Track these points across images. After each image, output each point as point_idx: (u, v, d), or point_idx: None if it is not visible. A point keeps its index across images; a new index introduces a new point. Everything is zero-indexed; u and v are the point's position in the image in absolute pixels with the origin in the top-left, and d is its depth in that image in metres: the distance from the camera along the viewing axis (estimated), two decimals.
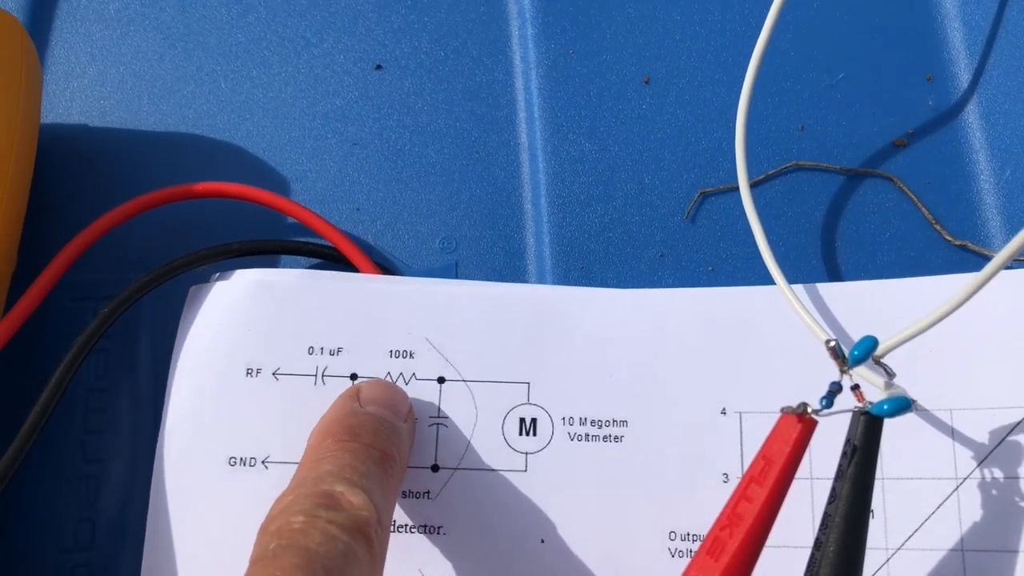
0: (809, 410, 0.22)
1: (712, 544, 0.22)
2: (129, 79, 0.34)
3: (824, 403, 0.23)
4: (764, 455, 0.22)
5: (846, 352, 0.23)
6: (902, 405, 0.22)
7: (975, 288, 0.23)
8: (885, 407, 0.22)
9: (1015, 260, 0.29)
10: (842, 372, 0.23)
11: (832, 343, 0.23)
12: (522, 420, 0.29)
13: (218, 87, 0.34)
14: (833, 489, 0.23)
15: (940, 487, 0.27)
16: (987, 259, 0.30)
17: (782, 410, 0.22)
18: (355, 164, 0.33)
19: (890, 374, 0.24)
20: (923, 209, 0.31)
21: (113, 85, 0.34)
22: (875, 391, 0.23)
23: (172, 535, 0.27)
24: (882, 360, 0.24)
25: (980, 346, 0.27)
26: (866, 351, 0.23)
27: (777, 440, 0.22)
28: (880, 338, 0.23)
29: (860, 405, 0.23)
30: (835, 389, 0.23)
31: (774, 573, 0.26)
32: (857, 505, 0.22)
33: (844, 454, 0.23)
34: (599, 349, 0.29)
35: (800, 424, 0.22)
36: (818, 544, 0.23)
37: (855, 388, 0.23)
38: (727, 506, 0.22)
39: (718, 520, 0.23)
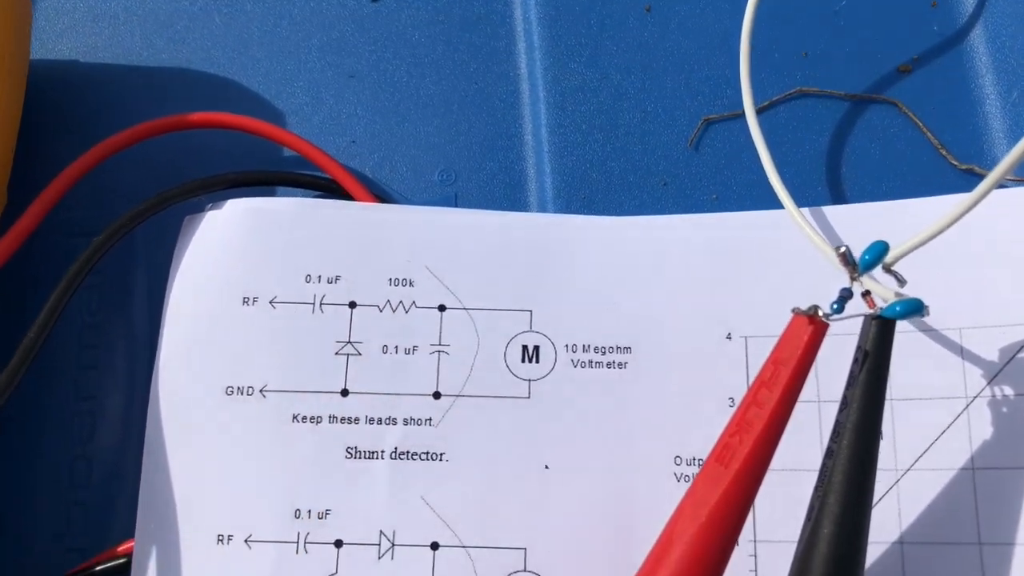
0: (820, 313, 0.22)
1: (721, 451, 0.22)
2: (121, 14, 0.33)
3: (835, 307, 0.22)
4: (774, 359, 0.22)
5: (856, 259, 0.23)
6: (915, 306, 0.22)
7: (986, 190, 0.22)
8: (897, 308, 0.22)
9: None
10: (852, 279, 0.23)
11: (843, 249, 0.23)
12: (524, 347, 0.28)
13: (211, 21, 0.33)
14: (844, 397, 0.22)
15: (950, 407, 0.26)
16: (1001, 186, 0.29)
17: (793, 311, 0.22)
18: (351, 97, 0.32)
19: (901, 282, 0.23)
20: (928, 134, 0.30)
21: (104, 21, 0.33)
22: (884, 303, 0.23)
23: (169, 466, 0.27)
24: (893, 268, 0.23)
25: (989, 265, 0.27)
26: (877, 255, 0.23)
27: (788, 343, 0.22)
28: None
29: (871, 311, 0.22)
30: (846, 295, 0.23)
31: (783, 496, 0.25)
32: (869, 411, 0.22)
33: (855, 360, 0.22)
34: (602, 276, 0.29)
35: (811, 326, 0.22)
36: (829, 452, 0.22)
37: (866, 295, 0.23)
38: (736, 413, 0.22)
39: (727, 428, 0.22)
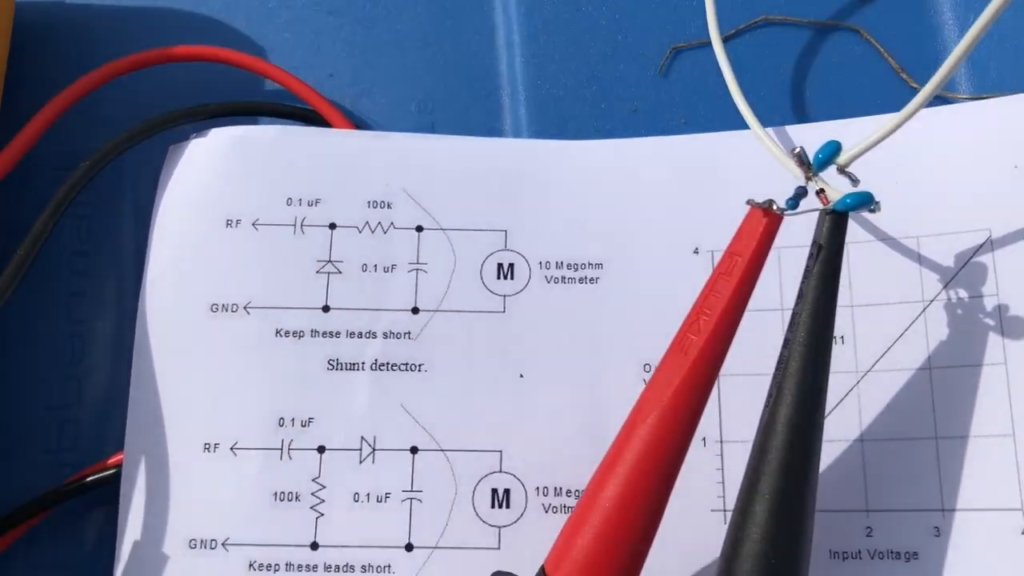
0: (775, 207, 0.23)
1: (681, 340, 0.23)
2: None
3: (789, 203, 0.23)
4: (731, 251, 0.23)
5: (811, 160, 0.24)
6: (864, 198, 0.23)
7: (924, 100, 0.24)
8: (848, 201, 0.23)
9: (979, 97, 0.30)
10: (807, 179, 0.24)
11: (797, 150, 0.24)
12: (499, 265, 0.29)
13: None
14: (800, 290, 0.23)
15: (908, 310, 0.27)
16: (952, 102, 0.30)
17: (748, 202, 0.23)
18: (331, 32, 0.33)
19: (854, 181, 0.24)
20: (889, 58, 0.31)
21: None
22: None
23: (156, 380, 0.28)
24: (847, 170, 0.24)
25: (943, 177, 0.28)
26: (830, 154, 0.24)
27: (744, 235, 0.23)
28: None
29: (825, 207, 0.23)
30: (800, 193, 0.24)
31: (748, 399, 0.26)
32: (824, 301, 0.23)
33: (810, 255, 0.23)
34: (574, 197, 0.30)
35: (766, 218, 0.23)
36: (786, 342, 0.23)
37: (820, 192, 0.24)
38: (696, 303, 0.23)
39: (687, 318, 0.23)
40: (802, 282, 0.23)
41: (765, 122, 0.29)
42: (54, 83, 0.31)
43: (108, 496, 0.28)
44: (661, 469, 0.22)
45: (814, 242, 0.24)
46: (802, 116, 0.31)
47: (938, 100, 0.30)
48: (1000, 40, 0.31)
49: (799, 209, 0.23)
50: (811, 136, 0.29)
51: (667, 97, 0.32)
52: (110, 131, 0.31)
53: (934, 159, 0.28)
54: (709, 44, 0.30)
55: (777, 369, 0.23)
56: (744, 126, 0.28)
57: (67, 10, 0.34)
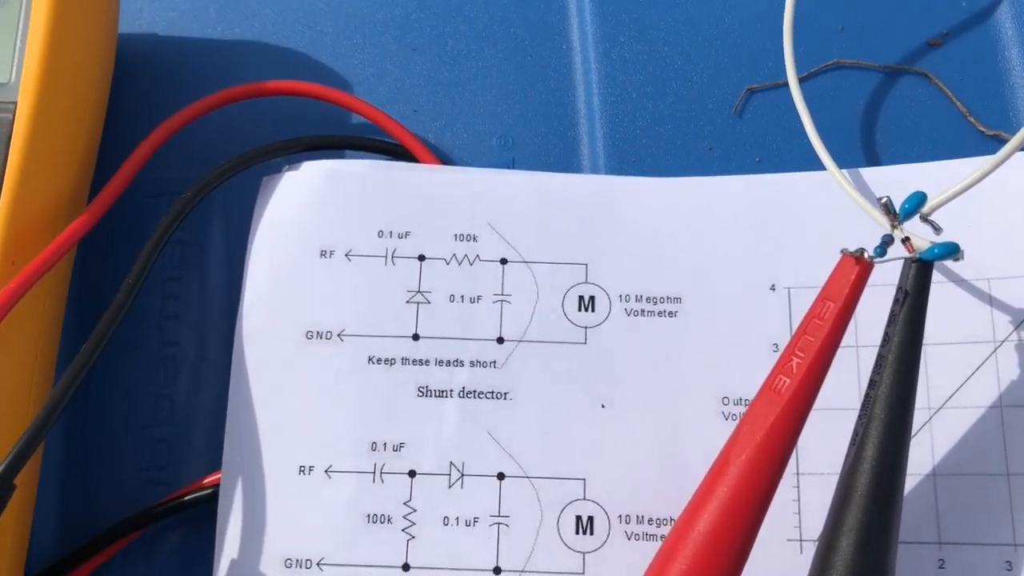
0: (866, 255, 0.24)
1: (775, 380, 0.24)
2: None
3: (878, 251, 0.24)
4: (824, 296, 0.24)
5: (897, 208, 0.25)
6: (951, 249, 0.24)
7: (1011, 152, 0.25)
8: (935, 251, 0.24)
9: None
10: (893, 227, 0.25)
11: (884, 200, 0.25)
12: (581, 297, 0.30)
13: None
14: (886, 334, 0.24)
15: (979, 350, 0.28)
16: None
17: (842, 252, 0.24)
18: (414, 69, 0.34)
19: (937, 230, 0.25)
20: (957, 103, 0.32)
21: None
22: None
23: (253, 403, 0.29)
24: (929, 218, 0.25)
25: (1013, 220, 0.29)
26: (916, 204, 0.25)
27: (837, 281, 0.24)
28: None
29: (911, 255, 0.24)
30: (887, 240, 0.25)
31: (824, 432, 0.27)
32: (909, 346, 0.24)
33: (896, 300, 0.25)
34: (652, 232, 0.31)
35: (858, 266, 0.24)
36: (872, 384, 0.24)
37: (906, 240, 0.25)
38: (789, 344, 0.24)
39: (780, 359, 0.24)
40: (887, 327, 0.24)
41: (839, 163, 0.30)
42: (148, 116, 0.33)
43: (204, 515, 0.29)
44: (753, 505, 0.23)
45: (899, 288, 0.25)
46: (871, 158, 0.32)
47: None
48: None
49: (887, 257, 0.24)
50: (885, 180, 0.30)
51: (742, 136, 0.33)
52: (200, 162, 0.33)
53: (1005, 202, 0.29)
54: (783, 85, 0.32)
55: (863, 409, 0.24)
56: (816, 166, 0.29)
57: (161, 43, 0.35)
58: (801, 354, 0.24)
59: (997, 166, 0.25)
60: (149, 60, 0.35)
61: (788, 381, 0.23)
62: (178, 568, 0.30)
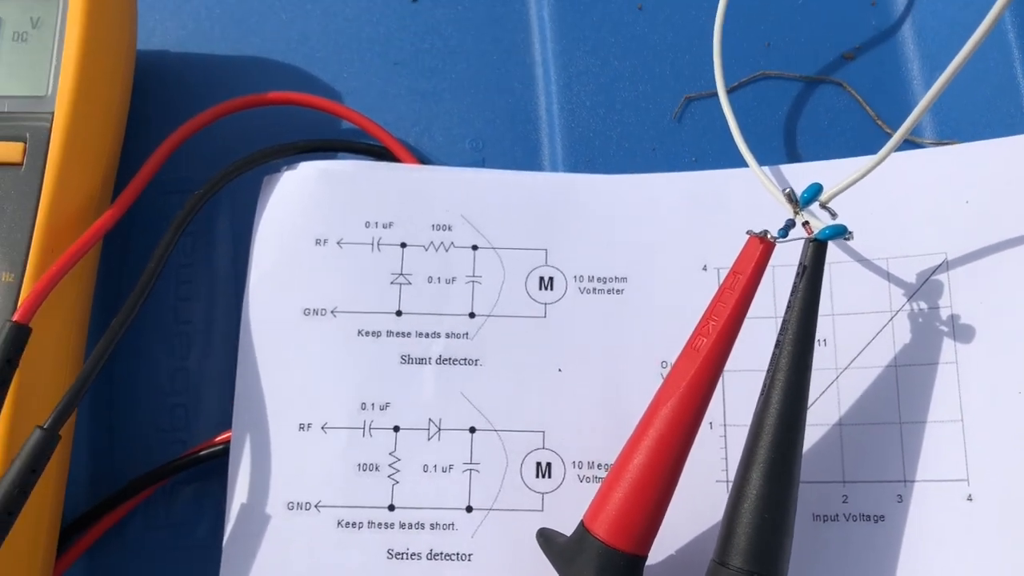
0: (769, 236, 0.29)
1: (693, 343, 0.29)
2: (202, 11, 0.40)
3: (780, 233, 0.29)
4: (734, 271, 0.29)
5: (798, 197, 0.30)
6: (840, 230, 0.29)
7: (894, 146, 0.30)
8: (827, 232, 0.29)
9: (941, 142, 0.36)
10: (795, 213, 0.30)
11: (787, 190, 0.30)
12: (541, 278, 0.35)
13: (278, 18, 0.40)
14: (789, 302, 0.29)
15: (878, 319, 0.33)
16: (921, 146, 0.36)
17: (747, 232, 0.29)
18: (396, 81, 0.39)
19: (834, 215, 0.30)
20: (868, 108, 0.37)
21: (188, 17, 0.40)
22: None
23: (259, 371, 0.34)
24: (828, 205, 0.30)
25: (908, 209, 0.34)
26: (813, 193, 0.30)
27: (744, 258, 0.29)
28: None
29: (809, 236, 0.29)
30: (789, 224, 0.30)
31: (746, 390, 0.32)
32: (808, 311, 0.29)
33: (797, 274, 0.29)
34: (603, 221, 0.36)
35: (762, 245, 0.29)
36: (778, 344, 0.29)
37: (805, 224, 0.30)
38: (705, 312, 0.29)
39: (699, 324, 0.29)
40: (790, 296, 0.29)
41: (762, 161, 0.35)
42: (162, 124, 0.37)
43: (216, 468, 0.34)
44: (677, 444, 0.28)
45: (800, 264, 0.29)
46: (793, 156, 0.37)
47: (908, 144, 0.36)
48: (960, 93, 0.37)
49: (788, 238, 0.29)
50: (800, 174, 0.35)
51: (680, 139, 0.38)
52: (209, 164, 0.37)
53: (902, 194, 0.34)
54: (716, 94, 0.36)
55: (771, 364, 0.29)
56: (745, 164, 0.34)
57: (172, 59, 0.40)
58: (716, 319, 0.28)
59: (878, 163, 0.30)
60: (163, 74, 0.39)
61: (705, 341, 0.28)
62: (195, 513, 0.34)
